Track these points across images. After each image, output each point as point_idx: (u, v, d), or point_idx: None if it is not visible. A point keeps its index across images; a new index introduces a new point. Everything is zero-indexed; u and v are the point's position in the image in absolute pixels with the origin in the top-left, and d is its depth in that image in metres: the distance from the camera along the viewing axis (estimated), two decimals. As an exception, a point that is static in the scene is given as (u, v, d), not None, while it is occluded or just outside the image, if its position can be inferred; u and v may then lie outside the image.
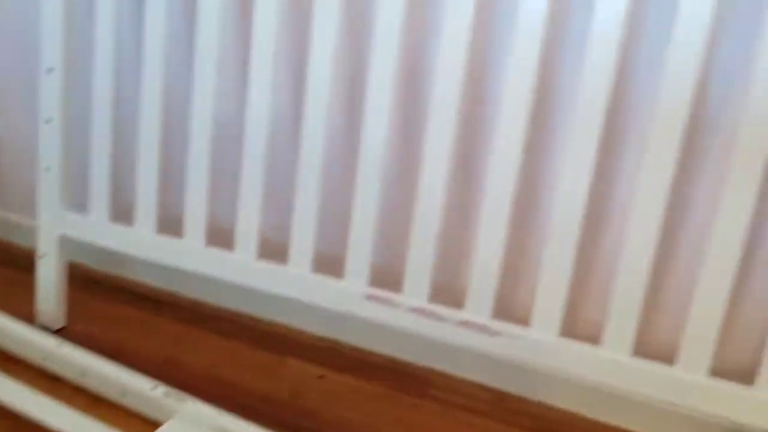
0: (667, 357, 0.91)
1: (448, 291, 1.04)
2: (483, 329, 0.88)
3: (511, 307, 1.02)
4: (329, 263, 1.08)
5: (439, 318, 0.91)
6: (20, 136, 1.31)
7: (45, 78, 1.04)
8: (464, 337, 0.90)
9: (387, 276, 1.04)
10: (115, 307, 1.20)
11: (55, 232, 1.09)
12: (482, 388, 1.06)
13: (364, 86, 0.99)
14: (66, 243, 1.11)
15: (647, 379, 0.82)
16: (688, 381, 0.80)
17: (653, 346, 0.95)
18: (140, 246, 1.05)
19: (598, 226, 0.95)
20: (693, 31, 0.73)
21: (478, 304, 0.89)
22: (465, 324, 0.89)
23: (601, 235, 0.95)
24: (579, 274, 0.98)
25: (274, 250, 1.08)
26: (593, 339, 0.90)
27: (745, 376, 0.90)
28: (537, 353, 0.87)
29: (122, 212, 1.14)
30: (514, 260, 1.00)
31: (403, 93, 1.00)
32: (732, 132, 0.85)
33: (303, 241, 0.95)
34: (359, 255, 0.92)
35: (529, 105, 0.81)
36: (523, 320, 0.92)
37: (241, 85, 1.09)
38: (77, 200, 1.14)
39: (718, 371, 0.84)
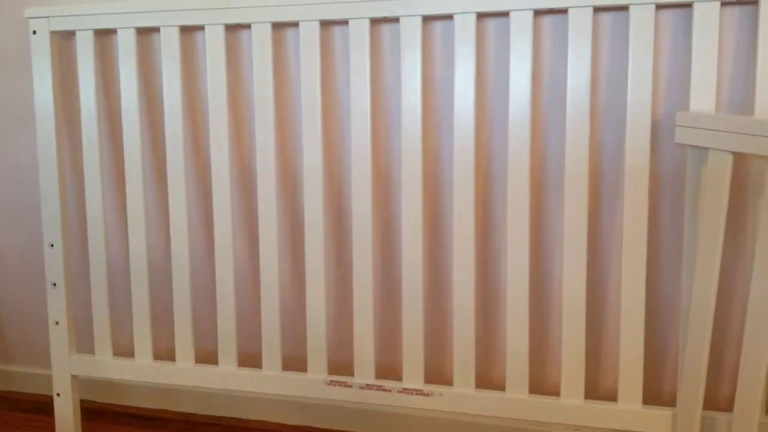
0: (554, 391, 1.22)
1: (388, 368, 1.33)
2: (418, 392, 1.17)
3: (438, 372, 1.31)
4: (294, 362, 1.36)
5: (385, 389, 1.19)
6: (21, 299, 1.56)
7: (48, 251, 1.31)
8: (405, 401, 1.18)
9: (340, 365, 1.33)
10: (120, 429, 1.43)
11: (67, 373, 1.34)
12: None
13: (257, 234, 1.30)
14: (76, 381, 1.35)
15: (540, 409, 1.12)
16: (569, 405, 1.11)
17: (546, 385, 1.25)
18: (141, 373, 1.30)
19: (487, 300, 1.26)
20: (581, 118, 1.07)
21: (413, 375, 1.18)
22: (405, 390, 1.18)
23: (491, 310, 1.26)
24: (482, 340, 1.28)
25: (249, 358, 1.36)
26: (501, 387, 1.21)
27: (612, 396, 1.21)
28: (460, 405, 1.16)
29: (121, 349, 1.40)
30: (433, 335, 1.30)
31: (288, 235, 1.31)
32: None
33: (271, 348, 1.23)
34: (317, 351, 1.21)
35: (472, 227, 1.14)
36: (448, 381, 1.22)
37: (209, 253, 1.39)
38: (83, 343, 1.39)
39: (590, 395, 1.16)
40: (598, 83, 1.11)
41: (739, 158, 1.08)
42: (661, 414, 1.08)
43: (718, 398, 1.16)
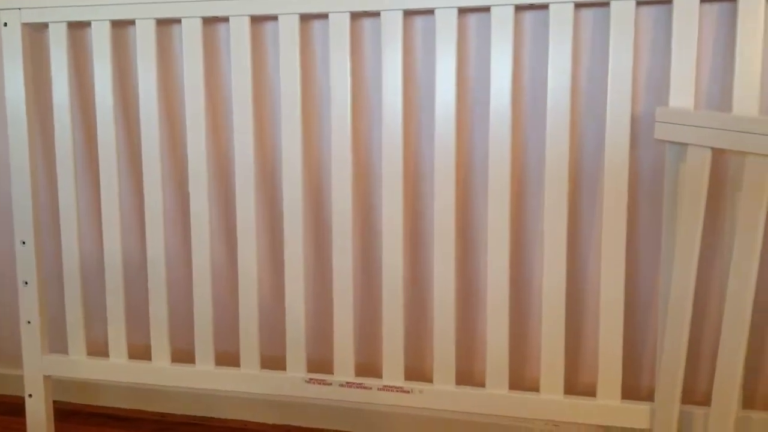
0: (534, 387, 1.23)
1: (369, 366, 1.32)
2: (399, 390, 1.17)
3: (418, 369, 1.31)
4: (273, 360, 1.35)
5: (366, 387, 1.18)
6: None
7: (19, 248, 1.28)
8: (386, 398, 1.17)
9: (320, 363, 1.32)
10: (94, 430, 1.41)
11: (40, 374, 1.31)
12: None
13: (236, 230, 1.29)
14: (49, 382, 1.33)
15: (520, 405, 1.12)
16: (549, 400, 1.11)
17: (525, 381, 1.26)
18: (116, 372, 1.28)
19: (467, 297, 1.26)
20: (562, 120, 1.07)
21: (393, 372, 1.17)
22: (385, 388, 1.17)
23: (471, 307, 1.26)
24: (462, 337, 1.28)
25: (226, 357, 1.34)
26: (481, 384, 1.21)
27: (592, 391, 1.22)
28: (441, 401, 1.15)
29: (95, 348, 1.37)
30: (414, 332, 1.29)
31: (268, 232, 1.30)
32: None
33: (249, 346, 1.22)
34: (296, 349, 1.20)
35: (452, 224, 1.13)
36: (429, 378, 1.22)
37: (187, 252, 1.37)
38: (55, 342, 1.37)
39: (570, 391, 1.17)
40: (578, 79, 1.12)
41: (717, 154, 1.09)
42: (639, 408, 1.08)
43: (696, 392, 1.18)
